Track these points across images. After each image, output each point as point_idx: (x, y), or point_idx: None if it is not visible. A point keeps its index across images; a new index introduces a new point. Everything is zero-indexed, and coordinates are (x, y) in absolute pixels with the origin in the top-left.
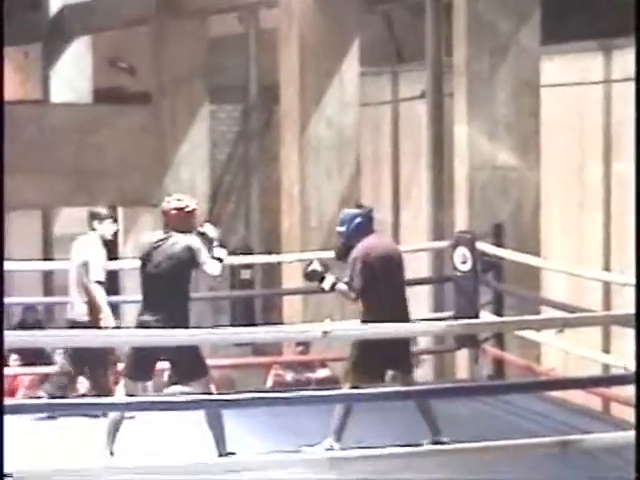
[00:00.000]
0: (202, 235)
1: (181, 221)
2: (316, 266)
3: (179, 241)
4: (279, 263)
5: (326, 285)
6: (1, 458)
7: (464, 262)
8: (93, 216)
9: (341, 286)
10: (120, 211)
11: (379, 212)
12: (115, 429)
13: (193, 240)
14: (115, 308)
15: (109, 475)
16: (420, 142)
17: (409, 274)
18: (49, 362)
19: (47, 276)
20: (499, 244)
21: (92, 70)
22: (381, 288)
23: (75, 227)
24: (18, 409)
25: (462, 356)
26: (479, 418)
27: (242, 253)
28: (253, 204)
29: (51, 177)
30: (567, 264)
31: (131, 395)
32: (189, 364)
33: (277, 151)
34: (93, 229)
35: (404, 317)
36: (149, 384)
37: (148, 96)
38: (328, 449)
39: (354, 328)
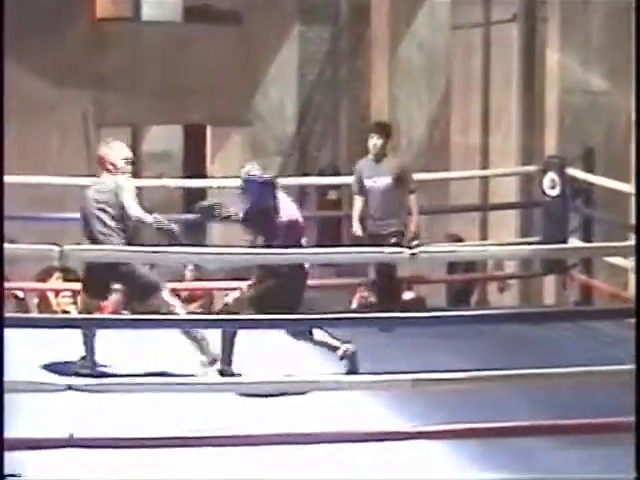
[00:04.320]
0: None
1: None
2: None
3: (109, 181)
4: None
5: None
6: (1, 458)
7: (553, 187)
8: None
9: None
10: (209, 130)
11: (469, 136)
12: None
13: (121, 181)
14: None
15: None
16: (511, 66)
17: (497, 199)
18: None
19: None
20: (589, 169)
21: None
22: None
23: (164, 145)
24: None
25: (549, 282)
26: (565, 344)
27: (329, 174)
28: (341, 125)
29: (141, 95)
30: None
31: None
32: (139, 284)
33: (366, 73)
34: None
35: None
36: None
37: (238, 15)
38: None
39: (442, 250)
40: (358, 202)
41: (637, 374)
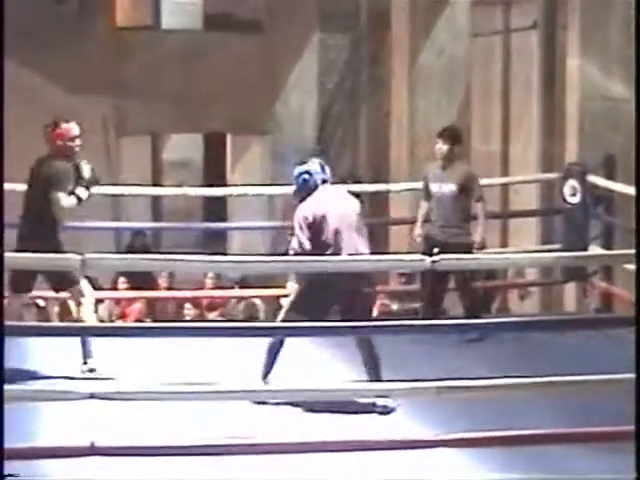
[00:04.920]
0: (76, 169)
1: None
2: None
3: (50, 164)
4: (386, 192)
5: None
6: (1, 458)
7: (574, 194)
8: None
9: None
10: (229, 138)
11: (489, 143)
12: None
13: (61, 166)
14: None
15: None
16: (531, 73)
17: (518, 206)
18: (156, 287)
19: (156, 201)
20: (610, 176)
21: None
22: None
23: (184, 153)
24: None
25: (570, 289)
26: (588, 351)
27: (350, 182)
28: (361, 133)
29: (161, 103)
30: None
31: None
32: (58, 275)
33: (387, 80)
34: None
35: None
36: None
37: (258, 23)
38: None
39: (461, 258)
40: (423, 207)
41: (637, 377)
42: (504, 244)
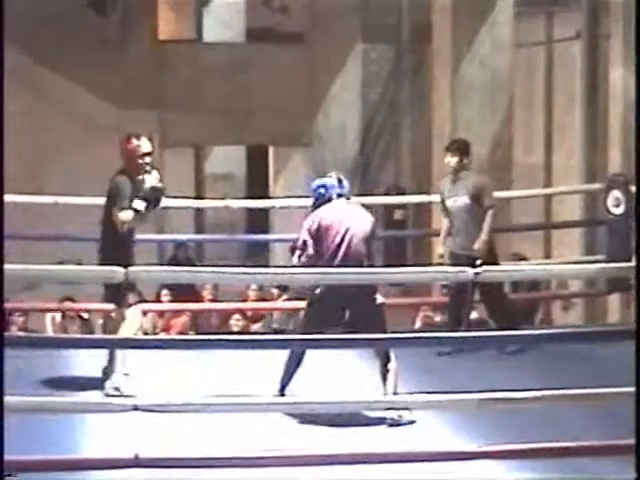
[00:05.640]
0: (141, 181)
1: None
2: None
3: (112, 179)
4: (429, 203)
5: None
6: (1, 458)
7: (617, 205)
8: None
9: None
10: (271, 151)
11: (531, 154)
12: None
13: (119, 181)
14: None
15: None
16: (574, 83)
17: (561, 217)
18: (200, 299)
19: (199, 214)
20: None
21: (245, 9)
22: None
23: (227, 166)
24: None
25: (614, 300)
26: (630, 363)
27: (394, 193)
28: (404, 144)
29: (203, 116)
30: None
31: None
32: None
33: (429, 91)
34: None
35: None
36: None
37: (300, 36)
38: None
39: (505, 269)
40: (444, 222)
41: (637, 377)
42: (547, 255)
